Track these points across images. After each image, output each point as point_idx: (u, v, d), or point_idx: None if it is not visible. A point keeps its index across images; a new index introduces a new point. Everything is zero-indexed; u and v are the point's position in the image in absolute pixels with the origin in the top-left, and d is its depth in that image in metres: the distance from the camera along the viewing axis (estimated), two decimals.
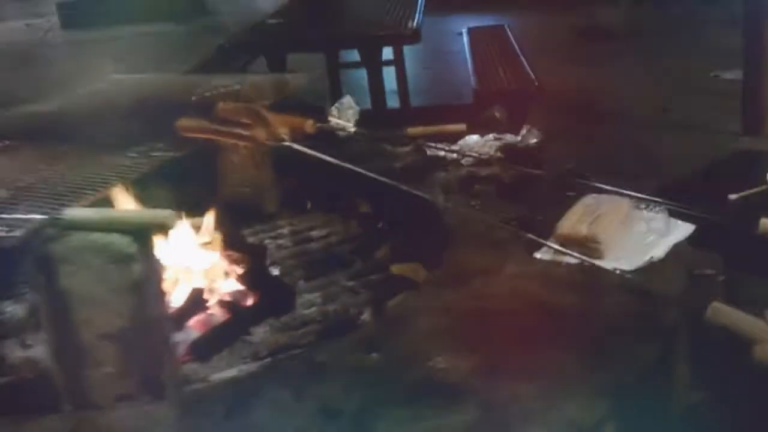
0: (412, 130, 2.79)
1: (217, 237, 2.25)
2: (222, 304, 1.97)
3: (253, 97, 2.42)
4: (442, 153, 2.56)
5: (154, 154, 1.91)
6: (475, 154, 2.50)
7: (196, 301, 1.94)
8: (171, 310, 1.92)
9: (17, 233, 1.42)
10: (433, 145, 2.61)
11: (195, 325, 1.91)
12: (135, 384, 1.51)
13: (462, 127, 2.74)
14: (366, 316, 1.97)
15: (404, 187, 1.78)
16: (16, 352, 1.79)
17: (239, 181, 2.59)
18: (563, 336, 1.56)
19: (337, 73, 4.59)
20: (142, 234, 1.50)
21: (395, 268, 2.15)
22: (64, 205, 1.54)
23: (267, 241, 2.41)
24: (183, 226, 2.17)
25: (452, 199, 2.24)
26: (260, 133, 1.74)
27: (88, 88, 2.56)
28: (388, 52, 4.45)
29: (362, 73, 4.13)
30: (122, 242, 1.46)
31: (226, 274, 2.09)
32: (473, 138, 2.59)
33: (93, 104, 2.38)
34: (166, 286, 1.98)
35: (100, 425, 1.38)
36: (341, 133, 2.25)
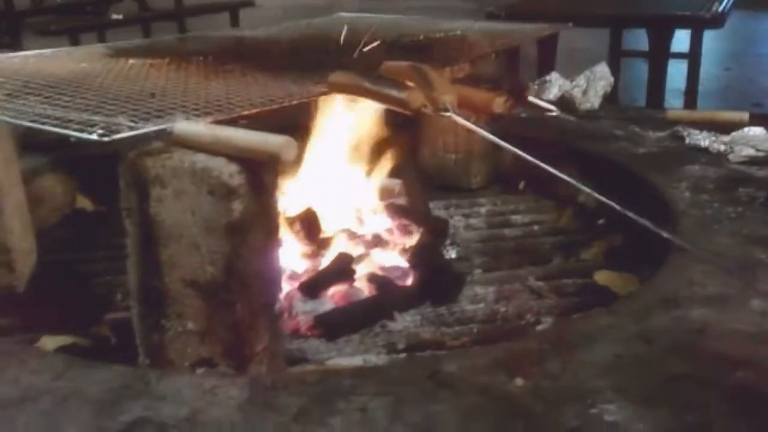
0: (674, 113, 2.25)
1: (396, 202, 1.92)
2: (372, 278, 1.63)
3: (470, 43, 2.05)
4: (705, 143, 1.99)
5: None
6: (751, 150, 1.90)
7: (342, 269, 1.61)
8: (305, 273, 1.63)
9: (109, 138, 1.17)
10: (696, 132, 2.05)
11: (334, 296, 1.59)
12: (218, 349, 1.21)
13: (742, 115, 2.14)
14: (543, 326, 1.53)
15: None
16: None
17: (445, 146, 2.24)
18: None
19: (618, 60, 4.12)
20: (255, 164, 1.19)
21: (600, 276, 1.66)
22: (187, 118, 1.28)
23: (457, 218, 2.02)
24: (359, 182, 1.87)
25: (701, 200, 1.69)
26: (415, 98, 1.34)
27: (304, 22, 2.35)
28: (682, 45, 3.89)
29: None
30: (225, 170, 1.16)
31: (390, 245, 1.75)
32: (755, 130, 1.98)
33: (296, 35, 2.14)
34: (314, 244, 1.70)
35: (153, 390, 1.10)
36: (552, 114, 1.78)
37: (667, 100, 3.99)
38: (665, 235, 1.23)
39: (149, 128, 1.21)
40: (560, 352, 1.19)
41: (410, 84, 1.41)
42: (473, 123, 1.47)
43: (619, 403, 1.06)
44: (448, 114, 1.37)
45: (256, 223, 1.21)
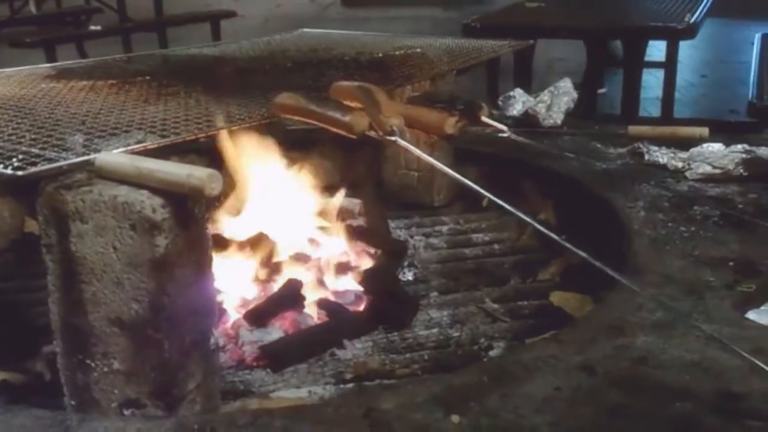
0: (635, 129, 2.21)
1: (355, 223, 1.88)
2: (322, 304, 1.59)
3: (430, 61, 2.01)
4: (663, 160, 1.96)
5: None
6: (707, 167, 1.86)
7: (291, 295, 1.57)
8: (255, 299, 1.59)
9: (25, 172, 1.13)
10: (655, 148, 2.02)
11: (281, 324, 1.55)
12: (145, 389, 1.17)
13: (702, 131, 2.10)
14: (496, 352, 1.49)
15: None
16: None
17: (408, 163, 2.20)
18: None
19: (600, 70, 4.12)
20: (180, 197, 1.14)
21: (555, 297, 1.63)
22: (111, 147, 1.24)
23: (417, 238, 1.98)
24: (307, 202, 1.83)
25: (656, 220, 1.65)
26: (359, 122, 1.31)
27: (261, 39, 2.31)
28: (659, 54, 3.88)
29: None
30: (148, 204, 1.11)
31: (345, 269, 1.71)
32: (713, 147, 1.95)
33: (253, 52, 2.11)
34: (266, 269, 1.66)
35: None
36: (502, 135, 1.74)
37: (645, 107, 3.98)
38: (608, 270, 1.19)
39: (69, 160, 1.17)
40: (500, 385, 1.15)
41: (357, 107, 1.37)
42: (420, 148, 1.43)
43: None
44: (393, 138, 1.33)
45: (184, 257, 1.16)
